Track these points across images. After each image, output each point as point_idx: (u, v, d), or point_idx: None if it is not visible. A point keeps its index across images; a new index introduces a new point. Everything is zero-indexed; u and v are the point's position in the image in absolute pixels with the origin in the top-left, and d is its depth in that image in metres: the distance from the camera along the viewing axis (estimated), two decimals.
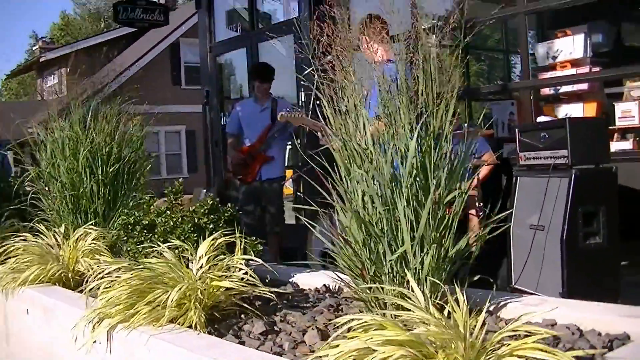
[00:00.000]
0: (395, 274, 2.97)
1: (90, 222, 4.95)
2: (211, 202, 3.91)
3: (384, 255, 2.97)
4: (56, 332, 3.69)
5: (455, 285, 2.71)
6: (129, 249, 3.90)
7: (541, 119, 6.85)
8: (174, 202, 4.05)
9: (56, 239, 4.57)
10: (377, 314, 2.76)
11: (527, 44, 7.30)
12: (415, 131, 2.90)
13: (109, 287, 3.29)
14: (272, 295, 3.26)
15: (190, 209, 3.91)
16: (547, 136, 5.62)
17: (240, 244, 3.46)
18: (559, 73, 7.67)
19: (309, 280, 4.02)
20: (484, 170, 7.13)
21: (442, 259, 2.95)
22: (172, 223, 3.80)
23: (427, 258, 2.89)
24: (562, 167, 5.33)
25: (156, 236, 3.80)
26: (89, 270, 4.09)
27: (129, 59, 19.04)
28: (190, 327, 3.01)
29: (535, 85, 7.46)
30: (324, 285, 3.84)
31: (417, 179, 2.95)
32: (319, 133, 5.57)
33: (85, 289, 3.50)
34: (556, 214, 5.26)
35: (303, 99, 5.70)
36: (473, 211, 7.02)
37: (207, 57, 10.53)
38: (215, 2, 10.71)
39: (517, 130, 5.98)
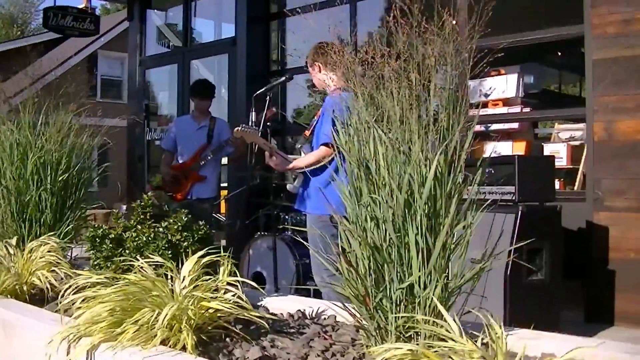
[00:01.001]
0: (399, 303, 2.87)
1: (36, 232, 4.65)
2: (185, 219, 3.72)
3: (390, 282, 2.87)
4: (19, 351, 3.39)
5: (490, 316, 2.62)
6: (96, 263, 3.66)
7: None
8: (141, 216, 3.82)
9: (7, 250, 4.24)
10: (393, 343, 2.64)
11: (467, 80, 7.32)
12: (435, 159, 2.82)
13: (87, 302, 3.05)
14: (261, 320, 3.09)
15: (163, 225, 3.71)
16: (492, 172, 5.65)
17: (228, 264, 3.28)
18: (490, 111, 7.77)
19: (279, 304, 3.86)
20: None
21: (449, 290, 2.88)
22: (144, 239, 3.59)
23: (437, 288, 2.81)
24: (508, 203, 5.36)
25: (127, 252, 3.58)
26: (46, 284, 3.82)
27: (45, 67, 18.28)
28: (182, 349, 2.81)
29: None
30: (299, 310, 3.69)
31: (429, 206, 2.88)
32: (266, 153, 5.47)
33: (59, 302, 3.22)
34: (500, 249, 5.27)
35: (253, 119, 5.53)
36: None
37: (136, 71, 10.24)
38: (148, 16, 10.44)
39: None
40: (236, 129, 5.31)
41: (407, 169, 2.89)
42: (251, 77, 8.76)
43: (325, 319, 3.55)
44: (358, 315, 3.01)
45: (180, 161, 7.53)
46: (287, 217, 7.35)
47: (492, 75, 7.89)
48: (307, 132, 5.56)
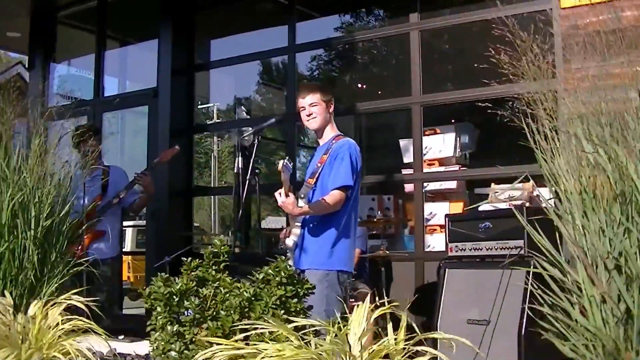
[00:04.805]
0: None
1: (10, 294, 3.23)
2: (290, 270, 2.56)
3: None
4: None
5: None
6: (175, 330, 2.39)
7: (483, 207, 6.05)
8: (213, 267, 2.62)
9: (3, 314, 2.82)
10: None
11: (421, 136, 6.56)
12: None
13: None
14: None
15: (259, 277, 2.53)
16: (489, 226, 4.88)
17: (405, 318, 2.18)
18: (426, 170, 7.00)
19: None
20: None
21: None
22: (246, 295, 2.39)
23: None
24: (513, 258, 4.58)
25: (224, 312, 2.36)
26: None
27: None
28: None
29: (426, 179, 6.71)
30: None
31: None
32: (281, 191, 4.39)
33: None
34: (508, 308, 4.49)
35: (240, 165, 4.40)
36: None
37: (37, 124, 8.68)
38: (51, 67, 8.99)
39: (446, 219, 5.19)
40: (281, 161, 4.16)
41: None
42: (174, 131, 7.55)
43: None
44: None
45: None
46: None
47: (427, 135, 7.15)
48: (311, 180, 4.57)
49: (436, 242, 6.71)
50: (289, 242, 4.60)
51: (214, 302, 2.42)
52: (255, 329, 2.13)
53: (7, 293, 2.96)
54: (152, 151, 7.76)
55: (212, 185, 20.46)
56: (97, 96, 8.60)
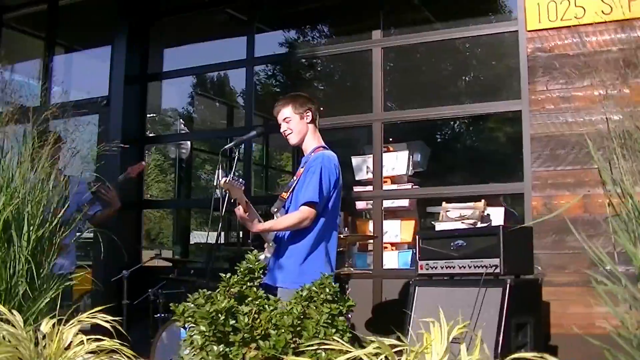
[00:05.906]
0: None
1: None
2: (335, 287, 2.40)
3: None
4: None
5: None
6: (222, 351, 2.20)
7: (442, 225, 5.93)
8: (248, 283, 2.44)
9: (14, 335, 2.54)
10: None
11: (382, 154, 6.46)
12: None
13: None
14: None
15: (302, 294, 2.37)
16: (463, 244, 4.85)
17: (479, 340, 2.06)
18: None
19: None
20: None
21: None
22: (296, 313, 2.23)
23: None
24: (488, 276, 4.56)
25: (277, 331, 2.19)
26: None
27: None
28: None
29: (386, 196, 6.61)
30: None
31: None
32: (239, 206, 4.18)
33: None
34: (483, 326, 4.44)
35: (220, 176, 4.22)
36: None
37: None
38: None
39: (417, 237, 5.09)
40: (224, 179, 3.96)
41: None
42: (125, 141, 7.21)
43: None
44: None
45: None
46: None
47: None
48: (285, 194, 4.41)
49: (387, 259, 6.62)
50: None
51: (258, 320, 2.24)
52: (315, 349, 1.97)
53: (15, 312, 2.67)
54: (101, 161, 7.39)
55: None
56: (44, 103, 8.17)
